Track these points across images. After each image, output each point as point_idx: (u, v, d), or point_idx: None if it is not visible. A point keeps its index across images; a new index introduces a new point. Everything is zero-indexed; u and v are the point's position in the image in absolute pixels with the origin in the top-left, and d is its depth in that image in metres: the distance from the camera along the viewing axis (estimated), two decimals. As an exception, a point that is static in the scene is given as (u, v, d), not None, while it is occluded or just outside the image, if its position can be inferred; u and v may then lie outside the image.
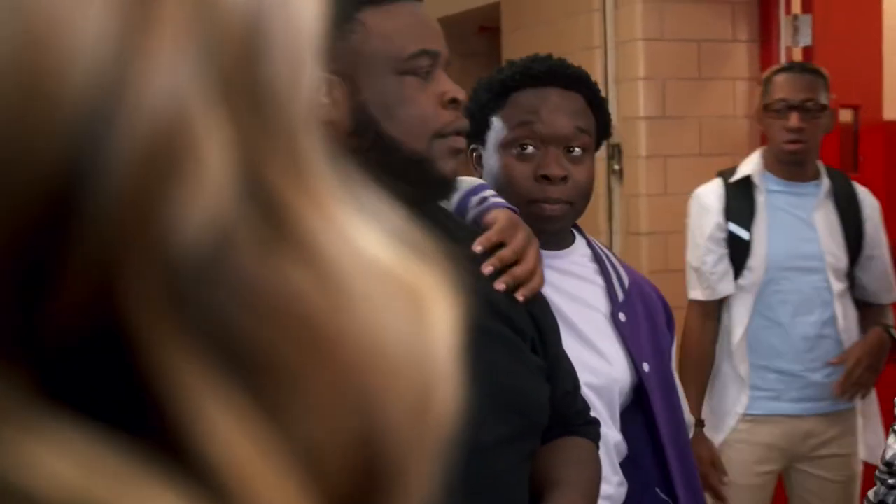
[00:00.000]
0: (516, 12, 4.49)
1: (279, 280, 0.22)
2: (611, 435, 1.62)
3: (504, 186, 1.64)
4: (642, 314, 1.74)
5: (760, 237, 2.87)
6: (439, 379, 0.26)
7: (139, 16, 0.20)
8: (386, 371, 0.24)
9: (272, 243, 0.22)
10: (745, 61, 4.01)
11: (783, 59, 3.98)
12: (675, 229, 3.57)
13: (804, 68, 2.98)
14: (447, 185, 1.32)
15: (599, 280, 1.72)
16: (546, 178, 1.64)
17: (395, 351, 0.24)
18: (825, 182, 2.93)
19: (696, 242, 2.93)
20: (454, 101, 1.30)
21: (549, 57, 1.73)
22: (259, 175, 0.22)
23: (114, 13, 0.19)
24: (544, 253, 1.60)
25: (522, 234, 1.41)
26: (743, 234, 2.88)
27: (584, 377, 1.54)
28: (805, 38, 3.96)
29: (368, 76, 1.25)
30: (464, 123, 1.31)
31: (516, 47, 4.55)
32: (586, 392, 1.55)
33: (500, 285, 1.36)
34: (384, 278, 0.25)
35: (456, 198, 1.46)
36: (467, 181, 1.52)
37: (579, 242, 1.77)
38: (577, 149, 1.67)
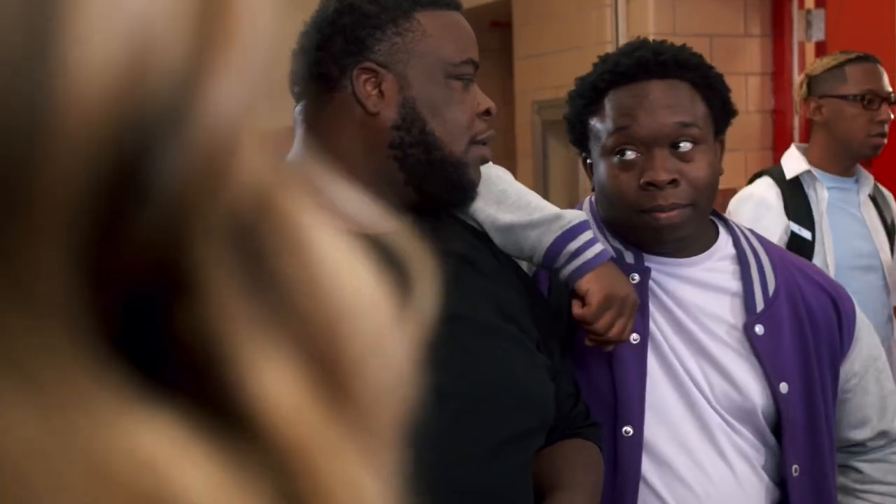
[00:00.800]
0: (527, 8, 4.48)
1: (282, 263, 0.26)
2: (756, 457, 1.49)
3: (612, 198, 1.49)
4: (789, 321, 1.52)
5: (827, 237, 2.70)
6: (402, 360, 0.29)
7: (213, 32, 0.23)
8: (361, 330, 0.27)
9: (279, 237, 0.26)
10: (757, 56, 3.99)
11: (796, 54, 3.97)
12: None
13: (875, 59, 2.81)
14: (472, 191, 1.34)
15: (736, 286, 1.53)
16: (652, 184, 1.45)
17: (366, 328, 0.27)
18: (868, 179, 2.81)
19: None
20: (487, 112, 1.33)
21: (644, 44, 1.52)
22: (270, 179, 0.26)
23: (194, 28, 0.23)
24: (669, 261, 1.51)
25: (612, 312, 1.38)
26: (805, 234, 2.70)
27: (723, 405, 1.46)
28: (818, 33, 3.94)
29: (420, 75, 1.28)
30: (493, 136, 1.35)
31: (527, 43, 4.54)
32: (733, 424, 1.47)
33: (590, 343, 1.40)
34: (354, 253, 0.28)
35: (551, 237, 1.38)
36: (568, 216, 1.40)
37: (722, 242, 1.56)
38: (685, 143, 1.47)
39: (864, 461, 1.64)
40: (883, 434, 1.63)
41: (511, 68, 4.69)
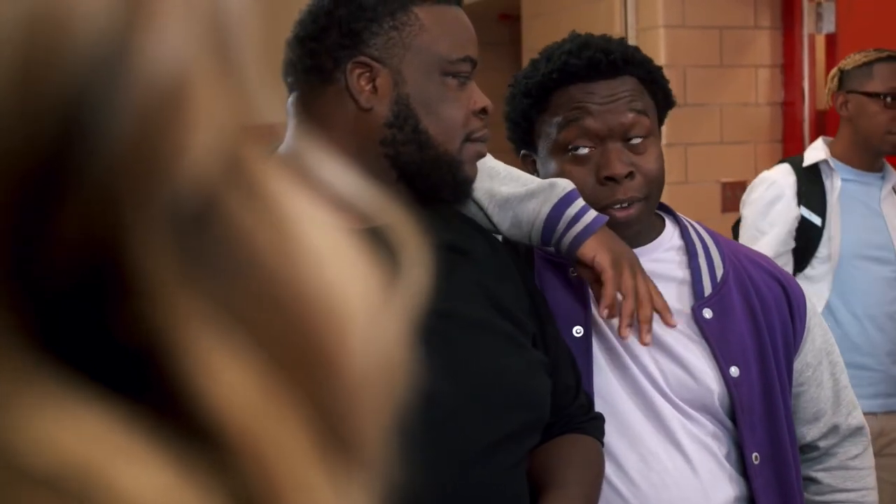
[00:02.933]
0: (536, 0, 4.47)
1: (252, 241, 0.24)
2: (718, 448, 1.47)
3: None
4: (740, 307, 1.52)
5: (835, 224, 2.78)
6: (390, 346, 0.27)
7: None
8: (336, 322, 0.25)
9: (247, 208, 0.24)
10: (767, 48, 3.98)
11: (806, 47, 3.95)
12: (695, 217, 3.55)
13: None
14: (469, 188, 1.33)
15: (684, 274, 1.53)
16: (612, 178, 1.46)
17: (345, 302, 0.26)
18: (892, 174, 2.87)
19: (762, 229, 2.80)
20: (483, 110, 1.31)
21: (587, 43, 1.52)
22: (234, 143, 0.24)
23: None
24: None
25: (627, 272, 1.38)
26: (815, 219, 2.79)
27: (678, 394, 1.45)
28: (829, 25, 3.92)
29: (415, 70, 1.26)
30: (489, 134, 1.33)
31: (537, 35, 4.54)
32: (688, 412, 1.45)
33: (624, 332, 1.38)
34: (338, 240, 0.26)
35: (549, 204, 1.38)
36: (560, 183, 1.40)
37: (668, 233, 1.58)
38: (636, 137, 1.49)
39: (821, 470, 1.62)
40: (834, 429, 1.61)
41: (520, 61, 4.68)
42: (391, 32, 1.25)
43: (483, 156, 1.34)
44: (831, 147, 2.87)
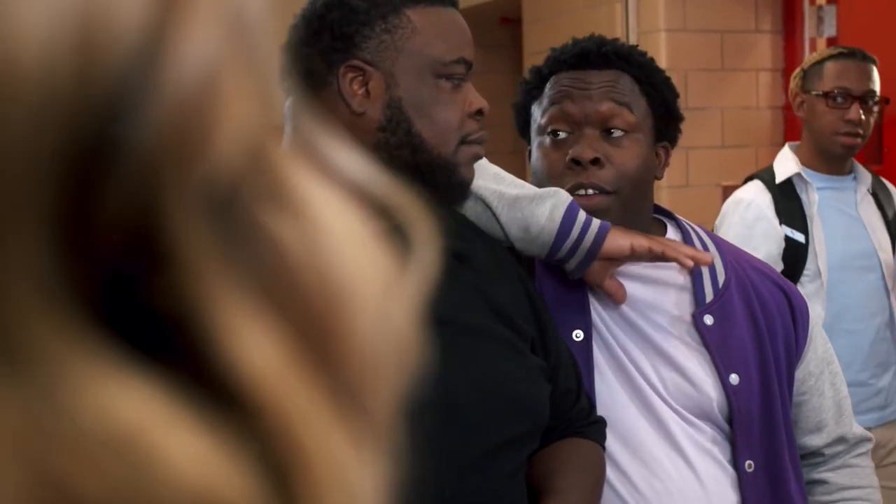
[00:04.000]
0: (537, 3, 4.48)
1: (273, 225, 0.26)
2: (707, 467, 1.45)
3: (540, 177, 1.49)
4: (741, 314, 1.50)
5: (819, 239, 2.63)
6: (402, 325, 0.29)
7: None
8: (350, 299, 0.27)
9: (268, 196, 0.26)
10: (768, 52, 3.98)
11: (807, 50, 3.95)
12: (696, 221, 3.54)
13: (864, 56, 2.72)
14: (466, 190, 1.31)
15: (685, 280, 1.50)
16: (576, 161, 1.45)
17: (358, 282, 0.27)
18: (866, 176, 2.73)
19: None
20: (479, 112, 1.30)
21: (588, 38, 1.54)
22: (258, 135, 0.26)
23: None
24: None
25: (663, 241, 1.42)
26: (798, 237, 2.63)
27: (678, 400, 1.44)
28: (830, 29, 3.93)
29: (407, 73, 1.25)
30: (486, 136, 1.32)
31: (537, 38, 4.54)
32: (689, 419, 1.45)
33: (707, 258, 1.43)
34: (352, 224, 0.28)
35: (562, 207, 1.38)
36: (562, 192, 1.41)
37: (669, 238, 1.54)
38: (617, 130, 1.47)
39: (828, 470, 1.61)
40: (840, 439, 1.60)
41: (521, 64, 4.69)
42: (383, 35, 1.24)
43: (480, 158, 1.33)
44: (798, 154, 2.72)
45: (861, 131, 2.65)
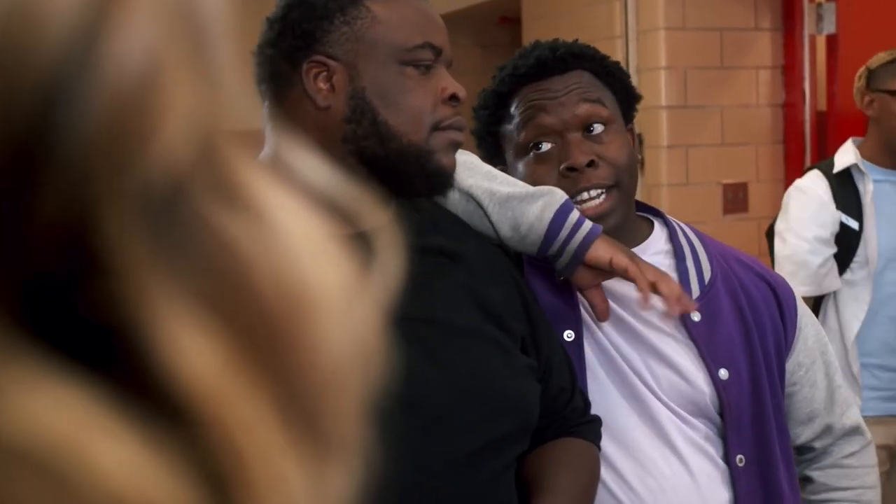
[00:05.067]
0: (537, 2, 4.47)
1: (223, 226, 0.25)
2: (697, 464, 1.44)
3: None
4: (728, 309, 1.51)
5: (871, 227, 2.77)
6: (365, 332, 0.28)
7: None
8: (307, 309, 0.26)
9: (219, 195, 0.25)
10: (767, 50, 3.98)
11: (807, 48, 3.95)
12: (697, 219, 3.55)
13: None
14: (446, 178, 1.28)
15: (672, 278, 1.48)
16: (572, 169, 1.45)
17: (318, 291, 0.26)
18: None
19: (803, 236, 2.77)
20: (453, 97, 1.27)
21: (535, 46, 1.54)
22: (208, 136, 0.25)
23: None
24: None
25: (645, 265, 1.38)
26: (853, 224, 2.78)
27: (671, 397, 1.44)
28: (829, 26, 3.92)
29: (369, 63, 1.23)
30: (463, 121, 1.29)
31: (537, 38, 4.54)
32: (683, 416, 1.44)
33: (676, 308, 1.37)
34: (313, 233, 0.27)
35: (553, 207, 1.37)
36: (558, 190, 1.39)
37: (656, 237, 1.55)
38: (597, 125, 1.48)
39: (815, 469, 1.61)
40: (828, 429, 1.60)
41: (492, 76, 4.68)
42: (343, 28, 1.23)
43: (459, 144, 1.30)
44: (861, 148, 2.87)
45: None
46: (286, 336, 0.25)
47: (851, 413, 1.62)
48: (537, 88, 1.50)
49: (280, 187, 0.27)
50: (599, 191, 1.46)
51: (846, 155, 2.85)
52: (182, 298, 0.24)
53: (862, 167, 2.81)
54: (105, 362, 0.23)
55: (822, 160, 2.97)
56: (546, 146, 1.48)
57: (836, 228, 2.77)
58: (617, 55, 3.87)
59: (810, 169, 2.94)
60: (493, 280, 1.33)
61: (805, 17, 3.95)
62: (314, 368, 0.26)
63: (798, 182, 2.90)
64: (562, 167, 1.46)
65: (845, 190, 2.80)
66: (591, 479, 1.36)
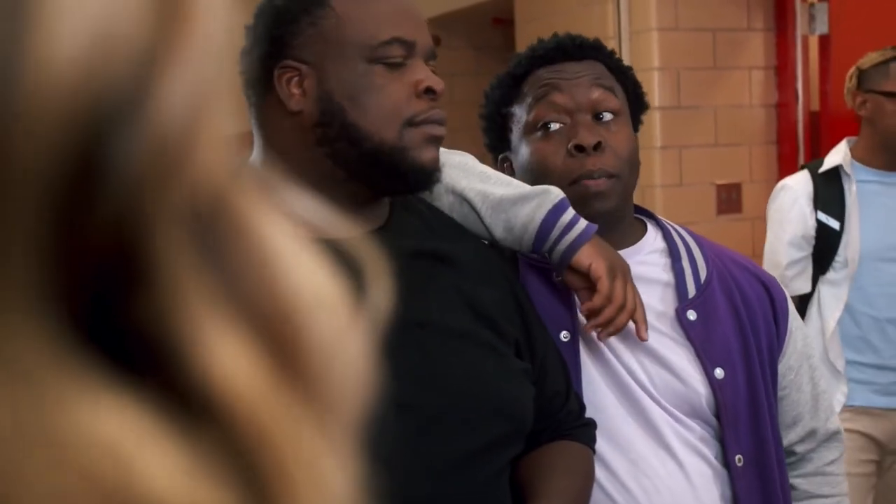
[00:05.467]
0: (530, 3, 4.48)
1: (249, 236, 0.27)
2: (692, 463, 1.45)
3: (538, 173, 1.48)
4: (724, 309, 1.51)
5: (853, 227, 2.77)
6: (356, 351, 0.29)
7: (170, 29, 0.24)
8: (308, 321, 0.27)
9: (238, 228, 0.27)
10: (760, 50, 3.98)
11: (799, 48, 3.96)
12: (690, 220, 3.55)
13: None
14: (426, 174, 1.25)
15: (668, 277, 1.52)
16: (580, 148, 1.46)
17: (317, 308, 0.28)
18: None
19: (778, 235, 2.82)
20: (429, 90, 1.24)
21: (555, 35, 1.56)
22: (235, 159, 0.27)
23: (152, 24, 0.24)
24: None
25: (620, 282, 1.37)
26: (833, 224, 2.79)
27: (667, 398, 1.44)
28: (821, 26, 3.93)
29: (336, 64, 1.21)
30: (441, 114, 1.26)
31: (530, 39, 4.54)
32: (678, 417, 1.45)
33: (591, 330, 1.38)
34: (302, 250, 0.29)
35: (545, 209, 1.37)
36: (553, 190, 1.39)
37: (650, 237, 1.56)
38: (606, 114, 1.49)
39: (798, 476, 1.62)
40: (812, 433, 1.60)
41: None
42: (309, 30, 1.22)
43: (438, 138, 1.26)
44: (853, 148, 2.87)
45: None
46: (296, 342, 0.27)
47: (834, 418, 1.63)
48: (553, 70, 1.52)
49: (272, 213, 0.28)
50: (603, 175, 1.47)
51: (835, 155, 2.87)
52: (217, 309, 0.25)
53: (847, 168, 2.81)
54: (147, 372, 0.24)
55: (815, 160, 2.98)
56: (555, 125, 1.49)
57: (812, 231, 2.79)
58: (610, 56, 3.88)
59: (802, 168, 2.96)
60: (488, 283, 1.32)
61: (797, 18, 3.95)
62: (321, 371, 0.27)
63: (784, 180, 2.92)
64: (570, 145, 1.47)
65: (830, 190, 2.81)
66: (586, 483, 1.35)
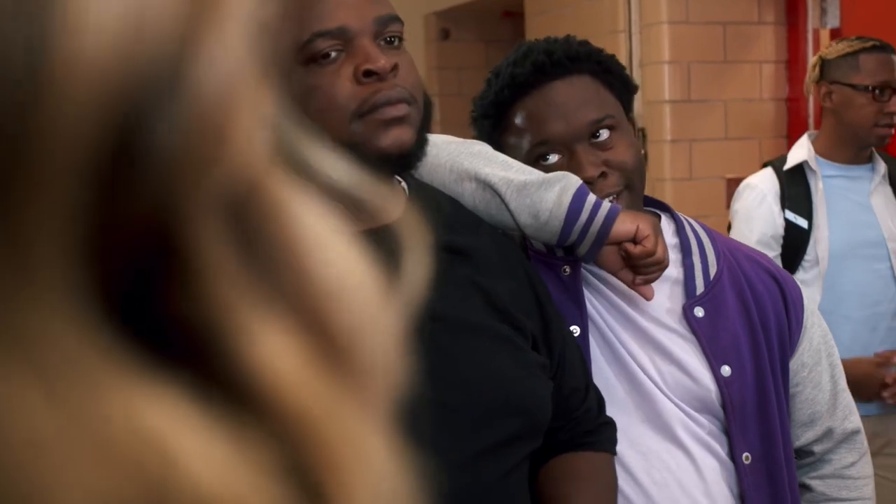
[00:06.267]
0: (540, -3, 4.47)
1: (285, 223, 0.26)
2: (704, 459, 1.45)
3: None
4: (734, 305, 1.50)
5: (821, 226, 2.70)
6: (391, 328, 0.29)
7: (204, 3, 0.24)
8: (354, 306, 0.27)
9: (266, 216, 0.26)
10: (771, 44, 3.97)
11: (810, 42, 3.94)
12: (700, 214, 3.54)
13: (889, 48, 2.79)
14: (395, 158, 1.18)
15: (678, 273, 1.51)
16: (586, 183, 1.43)
17: (352, 293, 0.27)
18: (881, 165, 2.78)
19: (745, 236, 2.72)
20: (369, 73, 1.15)
21: (529, 49, 1.50)
22: (269, 152, 0.26)
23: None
24: None
25: (662, 243, 1.41)
26: (801, 222, 2.71)
27: (677, 393, 1.44)
28: (833, 20, 3.92)
29: (282, 74, 1.14)
30: (391, 93, 1.16)
31: (540, 32, 4.53)
32: (689, 412, 1.45)
33: (648, 291, 1.41)
34: (338, 238, 0.28)
35: (571, 190, 1.37)
36: (570, 175, 1.39)
37: (663, 230, 1.53)
38: (602, 132, 1.47)
39: (816, 478, 1.60)
40: (829, 433, 1.59)
41: (487, 79, 4.67)
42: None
43: (396, 117, 1.16)
44: (815, 142, 2.79)
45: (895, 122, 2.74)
46: (337, 328, 0.26)
47: (853, 418, 1.61)
48: (539, 98, 1.48)
49: (304, 191, 0.28)
50: (611, 198, 1.46)
51: (799, 150, 2.78)
52: (261, 296, 0.25)
53: (812, 164, 2.74)
54: (190, 361, 0.24)
55: (779, 157, 2.91)
56: (553, 157, 1.47)
57: (781, 230, 2.72)
58: (620, 50, 3.87)
59: (765, 166, 2.86)
60: (503, 275, 1.31)
61: (809, 11, 3.94)
62: (367, 362, 0.27)
63: (749, 179, 2.83)
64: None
65: (796, 187, 2.73)
66: (611, 496, 1.35)
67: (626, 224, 1.38)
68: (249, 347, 0.24)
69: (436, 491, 0.30)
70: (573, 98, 1.47)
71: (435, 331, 1.20)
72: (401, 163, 1.19)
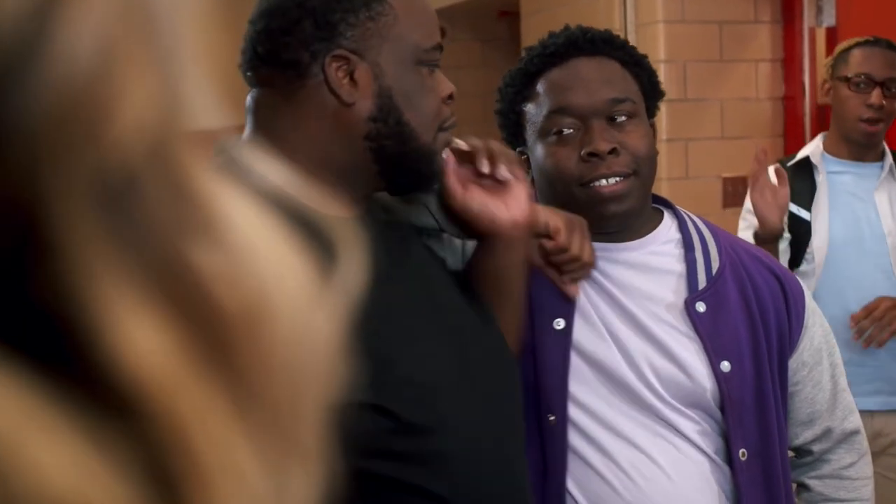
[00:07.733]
0: (536, -4, 4.47)
1: (173, 220, 0.24)
2: (696, 455, 1.45)
3: (552, 176, 1.49)
4: (735, 301, 1.50)
5: (821, 217, 2.74)
6: (327, 334, 0.27)
7: None
8: (266, 312, 0.25)
9: (172, 191, 0.24)
10: (767, 42, 3.97)
11: (806, 40, 3.94)
12: (697, 213, 3.53)
13: (889, 45, 2.79)
14: (438, 178, 1.31)
15: (681, 268, 1.51)
16: (594, 155, 1.46)
17: (277, 295, 0.26)
18: (889, 160, 2.79)
19: (753, 224, 2.73)
20: (451, 97, 1.30)
21: (567, 28, 1.55)
22: (162, 129, 0.24)
23: None
24: (611, 246, 1.50)
25: (577, 234, 1.43)
26: (804, 214, 2.76)
27: (669, 390, 1.44)
28: (829, 19, 3.91)
29: (393, 62, 1.22)
30: (456, 121, 1.32)
31: (536, 31, 4.53)
32: (679, 409, 1.44)
33: (573, 289, 1.46)
34: (269, 232, 0.27)
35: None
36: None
37: (665, 225, 1.56)
38: (621, 116, 1.49)
39: (814, 477, 1.60)
40: (828, 432, 1.58)
41: (520, 57, 4.67)
42: (367, 23, 1.21)
43: (450, 144, 1.32)
44: (825, 140, 2.83)
45: (882, 115, 2.72)
46: (241, 335, 0.24)
47: (853, 418, 1.61)
48: (567, 70, 1.50)
49: (238, 193, 0.26)
50: (617, 178, 1.47)
51: (808, 147, 2.84)
52: (130, 284, 0.23)
53: (815, 160, 2.77)
54: (51, 355, 0.22)
55: (789, 155, 2.96)
56: (569, 130, 1.48)
57: (786, 223, 2.73)
58: (616, 49, 3.86)
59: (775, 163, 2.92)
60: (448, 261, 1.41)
61: (805, 10, 3.94)
62: (273, 369, 0.25)
63: None
64: (583, 152, 1.46)
65: (802, 181, 2.76)
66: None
67: (538, 215, 1.39)
68: (115, 341, 0.22)
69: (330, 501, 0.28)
70: (598, 74, 1.50)
71: (455, 317, 1.29)
72: (438, 181, 1.33)
